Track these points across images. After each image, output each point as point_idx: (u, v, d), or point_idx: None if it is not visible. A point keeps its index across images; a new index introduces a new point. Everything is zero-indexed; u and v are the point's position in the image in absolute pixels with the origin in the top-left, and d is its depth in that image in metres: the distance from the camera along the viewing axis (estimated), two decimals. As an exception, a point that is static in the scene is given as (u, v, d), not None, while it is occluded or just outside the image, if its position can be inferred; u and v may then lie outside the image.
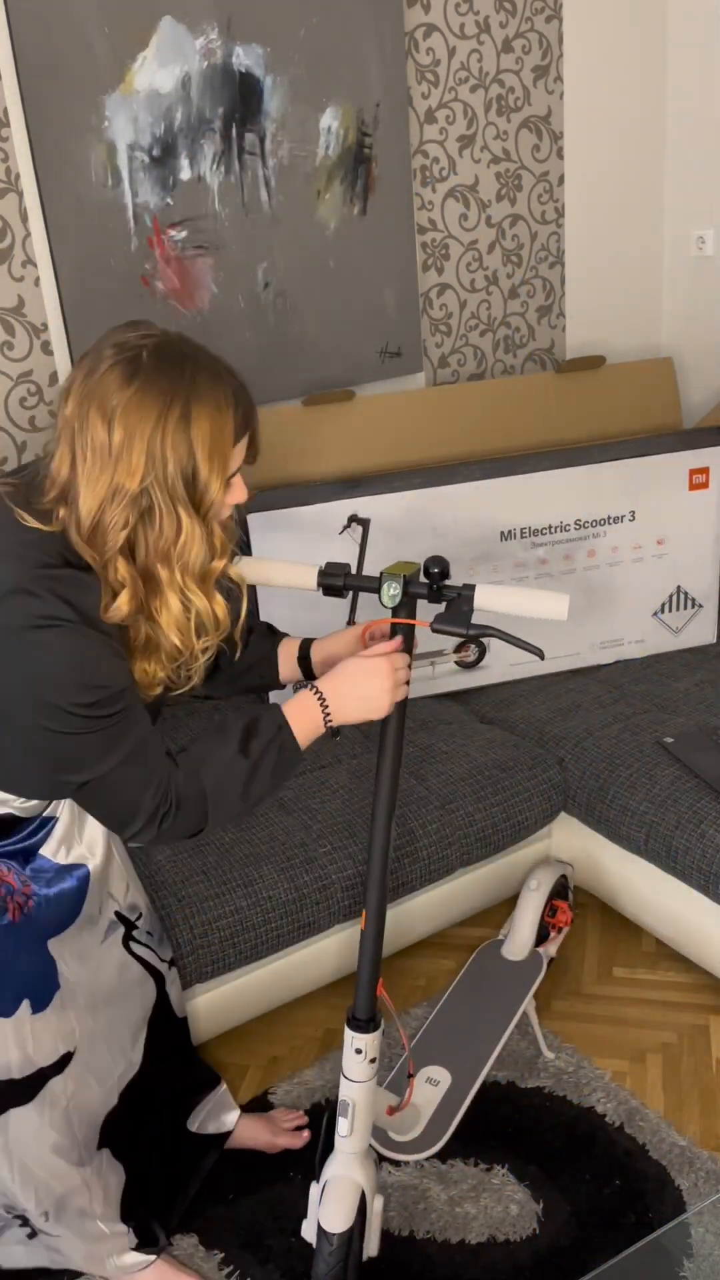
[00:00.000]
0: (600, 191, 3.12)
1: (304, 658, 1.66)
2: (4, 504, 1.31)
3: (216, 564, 1.35)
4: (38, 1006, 1.53)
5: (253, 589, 1.65)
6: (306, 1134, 1.98)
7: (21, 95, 2.21)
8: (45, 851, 1.53)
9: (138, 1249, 1.72)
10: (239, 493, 1.36)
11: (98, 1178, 1.66)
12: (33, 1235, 1.67)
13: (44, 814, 1.51)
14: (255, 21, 2.41)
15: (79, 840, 1.57)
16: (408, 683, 1.51)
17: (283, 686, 1.70)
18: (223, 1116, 1.92)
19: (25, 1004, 1.52)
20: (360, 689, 1.47)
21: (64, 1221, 1.64)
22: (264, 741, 1.42)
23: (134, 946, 1.70)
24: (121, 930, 1.68)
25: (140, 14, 2.28)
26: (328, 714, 1.46)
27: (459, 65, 2.77)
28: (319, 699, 1.46)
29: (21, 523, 1.28)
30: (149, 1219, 1.75)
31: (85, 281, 2.38)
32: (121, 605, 1.29)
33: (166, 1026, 1.79)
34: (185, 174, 2.43)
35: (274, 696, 2.46)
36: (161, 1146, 1.81)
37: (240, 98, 2.44)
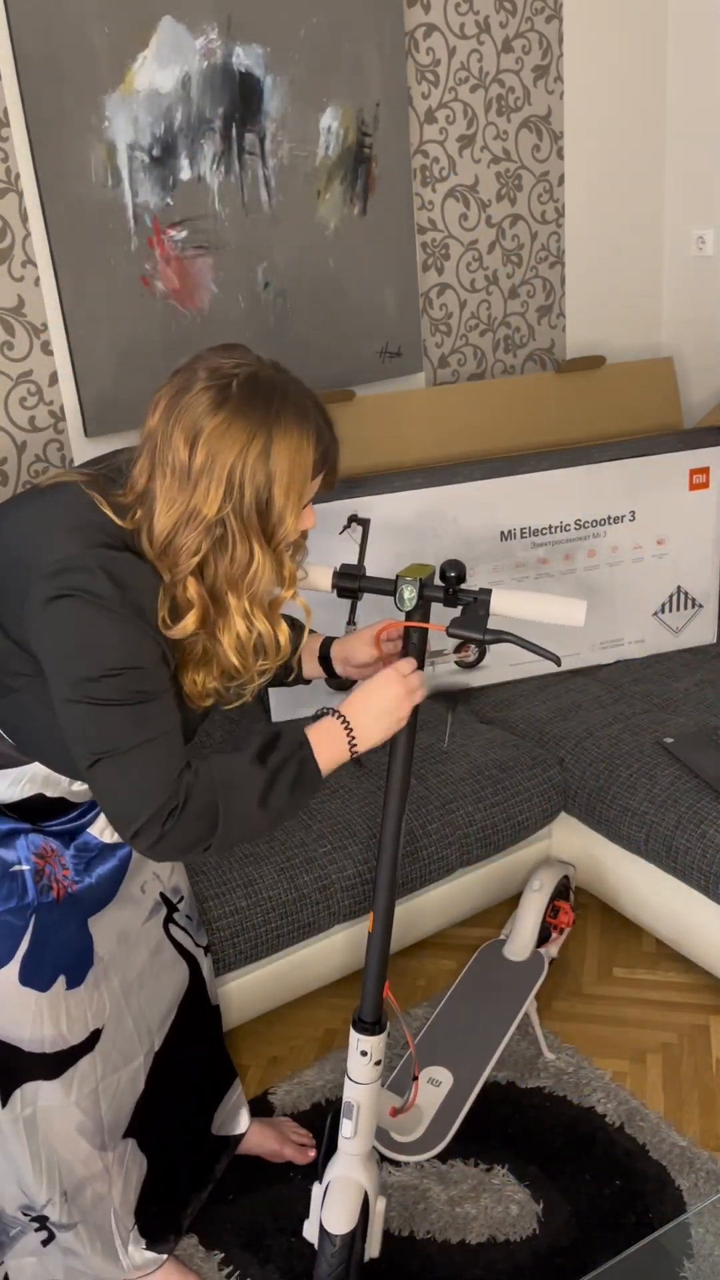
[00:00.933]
0: (600, 191, 3.12)
1: (324, 657, 1.67)
2: (80, 489, 1.34)
3: (285, 593, 1.38)
4: (73, 983, 1.55)
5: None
6: (312, 1153, 1.97)
7: (21, 95, 2.21)
8: (93, 830, 1.56)
9: (148, 1248, 1.72)
10: (310, 520, 1.39)
11: (119, 1166, 1.67)
12: (48, 1241, 1.67)
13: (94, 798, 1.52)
14: (255, 21, 2.41)
15: None
16: (419, 688, 1.50)
17: (308, 683, 1.72)
18: (237, 1118, 1.93)
19: (61, 979, 1.53)
20: (376, 704, 1.46)
21: (79, 1207, 1.64)
22: (283, 756, 1.40)
23: (172, 929, 1.73)
24: (164, 912, 1.71)
25: (140, 14, 2.28)
26: (353, 739, 1.44)
27: (459, 65, 2.77)
28: (343, 723, 1.44)
29: (97, 505, 1.31)
30: (162, 1217, 1.75)
31: (85, 281, 2.38)
32: (188, 625, 1.32)
33: (199, 1012, 1.80)
34: (185, 174, 2.43)
35: (281, 706, 2.46)
36: (184, 1143, 1.82)
37: (240, 98, 2.44)
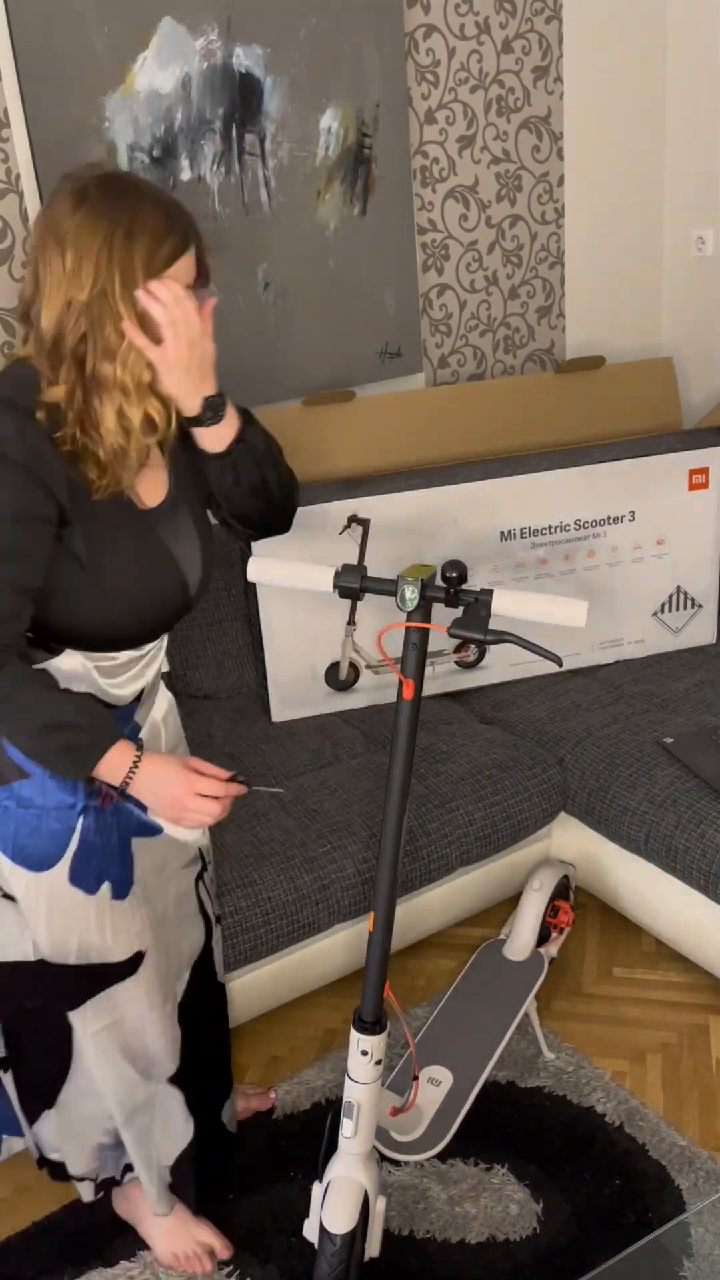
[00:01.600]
0: (600, 191, 3.12)
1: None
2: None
3: (146, 374, 1.43)
4: (117, 894, 1.59)
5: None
6: (272, 1094, 2.07)
7: (21, 95, 2.21)
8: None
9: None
10: (182, 274, 1.44)
11: (164, 1106, 1.73)
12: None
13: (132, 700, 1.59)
14: (255, 22, 2.41)
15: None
16: (207, 816, 1.51)
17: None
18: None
19: (107, 886, 1.57)
20: (158, 785, 1.48)
21: (132, 1130, 1.71)
22: (90, 724, 1.45)
23: (200, 886, 1.77)
24: (199, 867, 1.76)
25: (140, 14, 2.28)
26: (127, 781, 1.47)
27: (459, 66, 2.77)
28: (134, 765, 1.47)
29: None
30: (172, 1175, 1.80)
31: (85, 282, 2.38)
32: (57, 392, 1.39)
33: (209, 984, 1.83)
34: (185, 174, 2.43)
35: (283, 706, 2.46)
36: (201, 1115, 1.85)
37: (240, 98, 2.44)
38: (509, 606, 1.52)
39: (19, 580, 1.38)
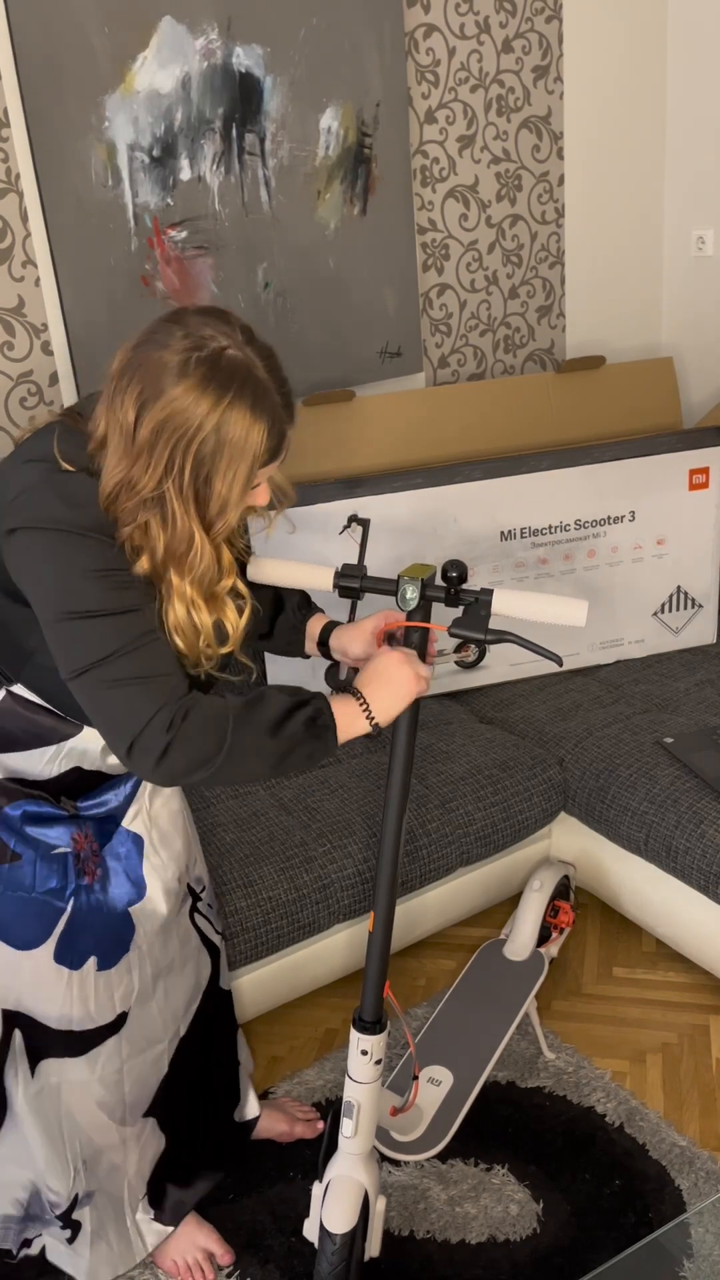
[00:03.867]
0: (600, 191, 3.12)
1: (323, 641, 1.68)
2: (53, 425, 1.35)
3: (225, 582, 1.36)
4: (104, 964, 1.57)
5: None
6: (320, 1124, 2.02)
7: (21, 95, 2.21)
8: (125, 823, 1.59)
9: (155, 1219, 1.76)
10: (259, 498, 1.37)
11: (137, 1140, 1.70)
12: (71, 1240, 1.69)
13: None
14: (255, 21, 2.41)
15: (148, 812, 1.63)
16: (427, 676, 1.50)
17: (307, 657, 1.73)
18: (248, 1104, 1.94)
19: (92, 960, 1.55)
20: (389, 680, 1.44)
21: (95, 1175, 1.67)
22: (303, 700, 1.38)
23: (197, 918, 1.76)
24: (190, 901, 1.74)
25: (140, 14, 2.28)
26: (368, 711, 1.42)
27: (459, 65, 2.77)
28: (359, 698, 1.43)
29: (60, 435, 1.31)
30: (173, 1191, 1.79)
31: (85, 281, 2.38)
32: (143, 564, 1.30)
33: (217, 999, 1.83)
34: (185, 174, 2.43)
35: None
36: (204, 1126, 1.85)
37: (240, 98, 2.44)
38: (509, 606, 1.52)
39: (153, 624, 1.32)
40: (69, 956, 1.54)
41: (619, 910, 2.42)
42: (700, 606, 2.71)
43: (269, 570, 1.63)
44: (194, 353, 1.24)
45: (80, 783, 1.54)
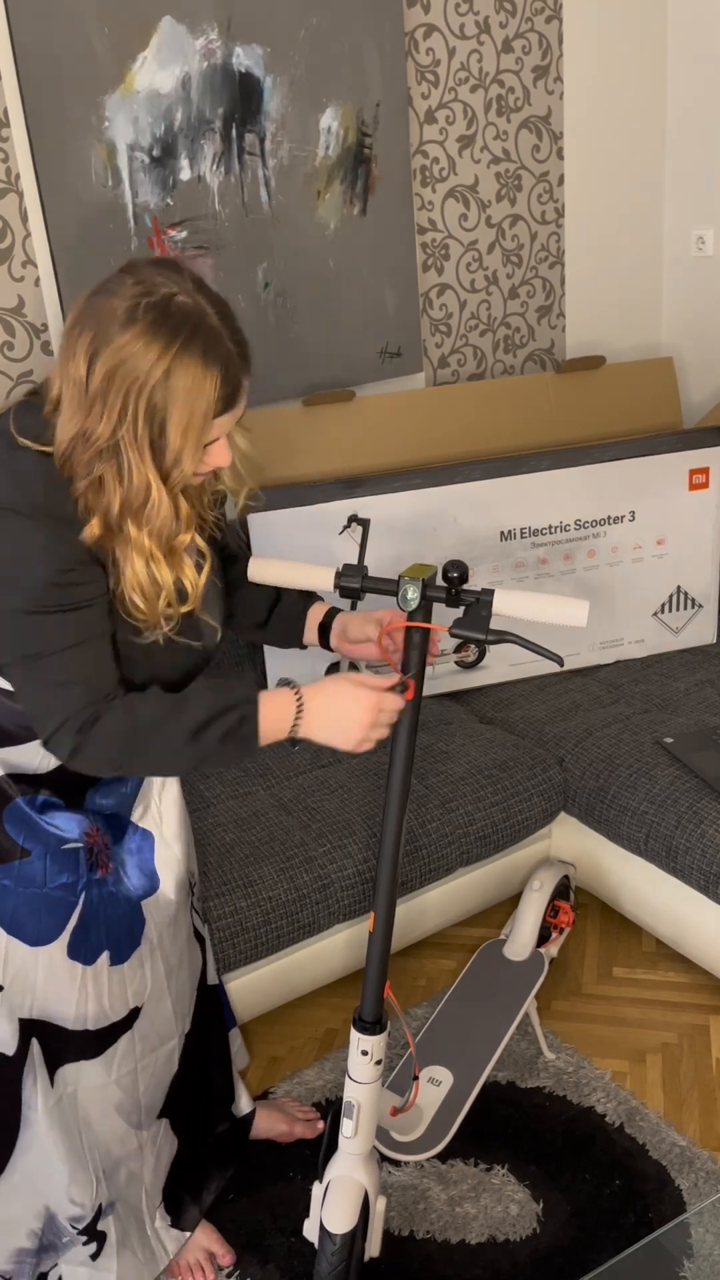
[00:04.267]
0: (600, 191, 3.12)
1: (325, 626, 1.69)
2: (14, 407, 1.35)
3: (183, 536, 1.35)
4: (116, 959, 1.57)
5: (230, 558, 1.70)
6: (320, 1124, 2.02)
7: (21, 95, 2.21)
8: (134, 817, 1.61)
9: (172, 1225, 1.76)
10: (219, 456, 1.35)
11: (152, 1145, 1.70)
12: (96, 1255, 1.68)
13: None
14: (255, 21, 2.41)
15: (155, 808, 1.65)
16: (393, 726, 1.48)
17: (304, 648, 1.74)
18: (240, 1100, 1.94)
19: (105, 955, 1.56)
20: (337, 713, 1.41)
21: (115, 1185, 1.66)
22: (225, 704, 1.37)
23: (192, 914, 1.77)
24: (191, 896, 1.75)
25: (140, 14, 2.28)
26: (298, 722, 1.40)
27: (459, 65, 2.77)
28: (297, 704, 1.41)
29: (14, 413, 1.33)
30: (186, 1195, 1.79)
31: (85, 281, 2.35)
32: (93, 528, 1.30)
33: (207, 993, 1.84)
34: (185, 174, 2.43)
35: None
36: (210, 1124, 1.85)
37: (240, 98, 2.44)
38: (510, 606, 1.52)
39: (95, 630, 1.35)
40: (82, 951, 1.53)
41: (619, 910, 2.42)
42: (700, 606, 2.71)
43: (269, 570, 1.63)
44: (143, 299, 1.23)
45: (79, 779, 1.53)
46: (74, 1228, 1.65)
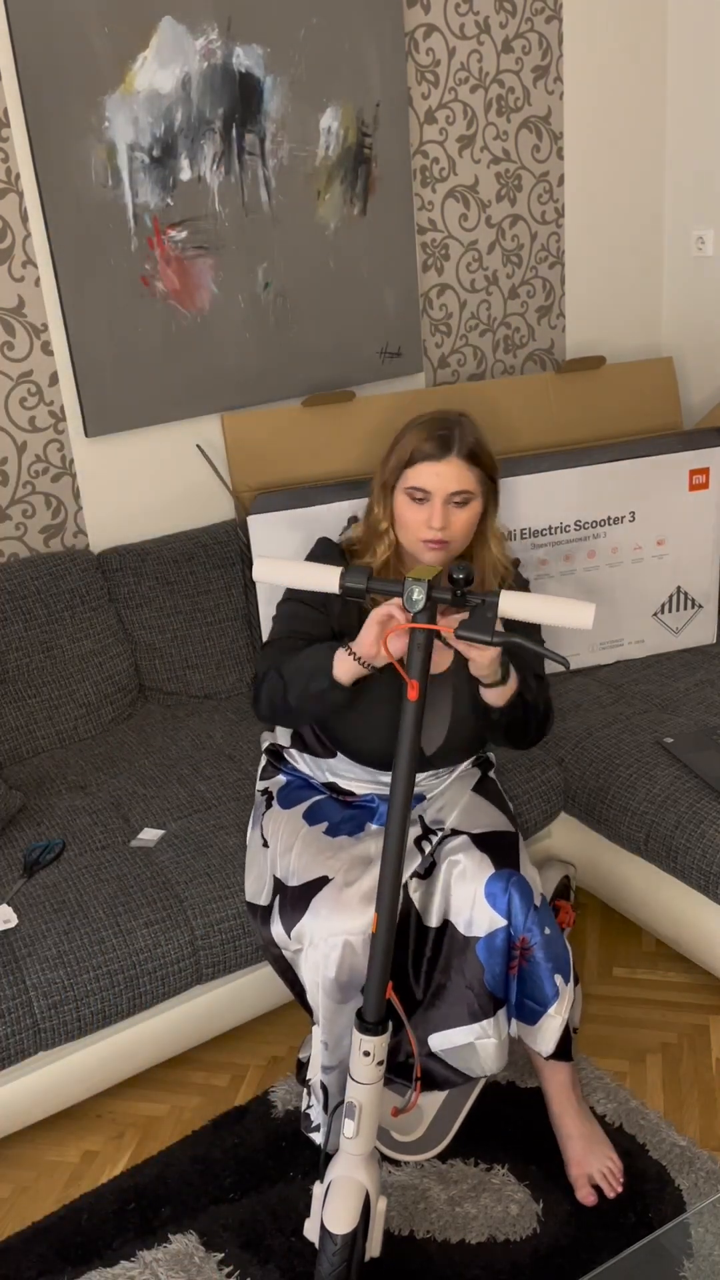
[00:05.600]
0: (600, 191, 3.12)
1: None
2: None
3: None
4: (328, 832, 1.93)
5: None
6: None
7: (21, 95, 2.21)
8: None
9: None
10: (420, 512, 1.79)
11: (348, 1024, 1.76)
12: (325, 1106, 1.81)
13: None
14: (255, 21, 2.41)
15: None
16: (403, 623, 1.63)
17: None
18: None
19: (323, 824, 1.97)
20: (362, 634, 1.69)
21: (335, 1073, 1.79)
22: (314, 661, 1.76)
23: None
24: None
25: (140, 14, 2.28)
26: (351, 650, 1.70)
27: (459, 65, 2.77)
28: (354, 656, 1.71)
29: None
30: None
31: (85, 281, 2.38)
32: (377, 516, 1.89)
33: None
34: (185, 174, 2.43)
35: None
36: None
37: (240, 98, 2.44)
38: (516, 609, 1.51)
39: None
40: (313, 819, 1.95)
41: (619, 910, 2.42)
42: (700, 607, 2.71)
43: (274, 571, 1.63)
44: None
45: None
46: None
